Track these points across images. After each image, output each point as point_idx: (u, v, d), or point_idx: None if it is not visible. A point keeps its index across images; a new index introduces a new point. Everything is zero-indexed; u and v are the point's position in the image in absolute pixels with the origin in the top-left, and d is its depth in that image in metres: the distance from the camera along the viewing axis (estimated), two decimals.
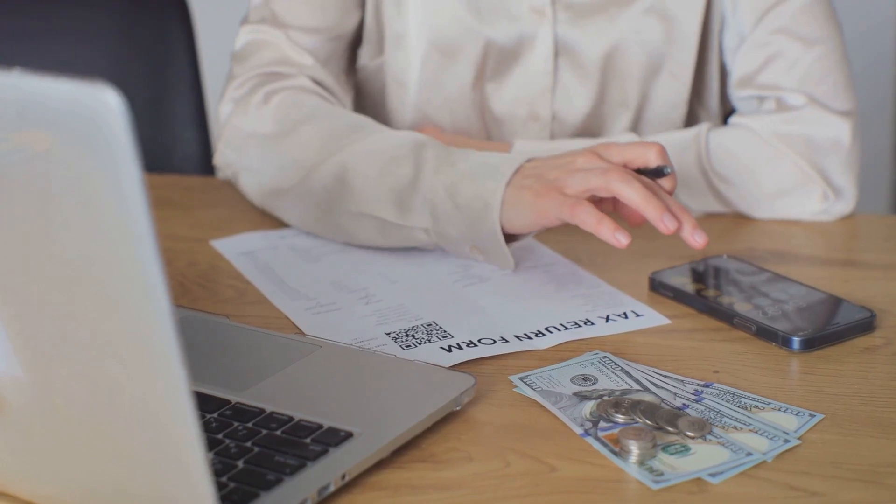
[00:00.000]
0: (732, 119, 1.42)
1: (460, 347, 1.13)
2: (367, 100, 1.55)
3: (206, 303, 1.22)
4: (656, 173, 1.20)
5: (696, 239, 1.16)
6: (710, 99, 1.50)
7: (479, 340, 1.14)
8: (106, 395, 0.79)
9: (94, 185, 0.72)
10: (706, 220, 1.37)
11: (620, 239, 1.14)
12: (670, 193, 1.20)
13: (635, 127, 1.47)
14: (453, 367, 1.08)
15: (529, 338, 1.14)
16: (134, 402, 0.79)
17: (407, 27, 1.45)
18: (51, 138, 0.73)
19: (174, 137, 1.78)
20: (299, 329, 1.17)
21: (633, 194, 1.15)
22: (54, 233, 0.76)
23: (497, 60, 1.45)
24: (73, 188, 0.74)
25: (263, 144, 1.37)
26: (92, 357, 0.78)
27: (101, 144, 0.71)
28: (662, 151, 1.20)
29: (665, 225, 1.15)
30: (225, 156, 1.42)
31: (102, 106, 0.70)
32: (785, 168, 1.38)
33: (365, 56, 1.53)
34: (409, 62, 1.46)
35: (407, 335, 1.15)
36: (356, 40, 1.51)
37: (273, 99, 1.40)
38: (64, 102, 0.71)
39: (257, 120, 1.39)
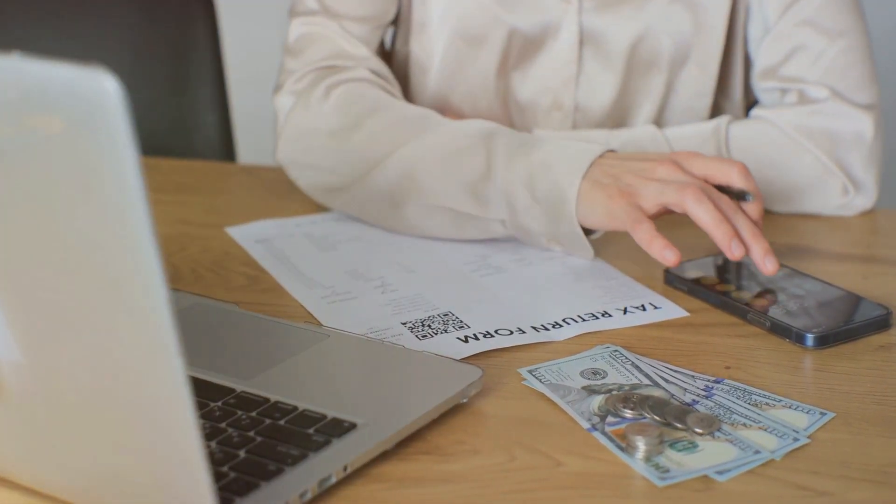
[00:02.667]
0: (753, 112, 1.41)
1: (477, 338, 1.12)
2: None
3: (218, 290, 1.22)
4: (739, 196, 1.20)
5: (766, 265, 1.17)
6: (734, 89, 1.48)
7: (495, 331, 1.13)
8: (105, 380, 0.79)
9: (93, 170, 0.72)
10: None
11: (668, 256, 1.16)
12: (757, 221, 1.20)
13: (659, 117, 1.45)
14: (463, 359, 1.07)
15: (547, 329, 1.14)
16: (132, 388, 0.78)
17: (431, 14, 1.45)
18: (52, 123, 0.73)
19: (196, 122, 1.78)
20: (312, 317, 1.16)
21: (704, 216, 1.17)
22: (54, 217, 0.75)
23: (521, 49, 1.44)
24: (72, 173, 0.73)
25: (327, 140, 1.37)
26: (91, 342, 0.78)
27: (99, 129, 0.71)
28: (745, 171, 1.21)
29: (732, 252, 1.16)
30: (287, 153, 1.40)
31: (101, 91, 0.69)
32: (805, 161, 1.37)
33: (398, 42, 1.52)
34: (431, 49, 1.46)
35: (423, 325, 1.15)
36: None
37: (334, 92, 1.39)
38: (63, 87, 0.71)
39: (319, 115, 1.38)
